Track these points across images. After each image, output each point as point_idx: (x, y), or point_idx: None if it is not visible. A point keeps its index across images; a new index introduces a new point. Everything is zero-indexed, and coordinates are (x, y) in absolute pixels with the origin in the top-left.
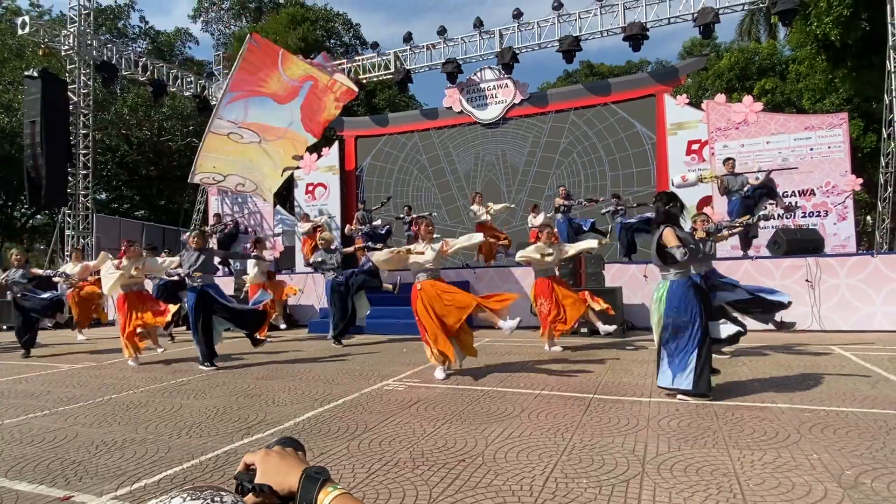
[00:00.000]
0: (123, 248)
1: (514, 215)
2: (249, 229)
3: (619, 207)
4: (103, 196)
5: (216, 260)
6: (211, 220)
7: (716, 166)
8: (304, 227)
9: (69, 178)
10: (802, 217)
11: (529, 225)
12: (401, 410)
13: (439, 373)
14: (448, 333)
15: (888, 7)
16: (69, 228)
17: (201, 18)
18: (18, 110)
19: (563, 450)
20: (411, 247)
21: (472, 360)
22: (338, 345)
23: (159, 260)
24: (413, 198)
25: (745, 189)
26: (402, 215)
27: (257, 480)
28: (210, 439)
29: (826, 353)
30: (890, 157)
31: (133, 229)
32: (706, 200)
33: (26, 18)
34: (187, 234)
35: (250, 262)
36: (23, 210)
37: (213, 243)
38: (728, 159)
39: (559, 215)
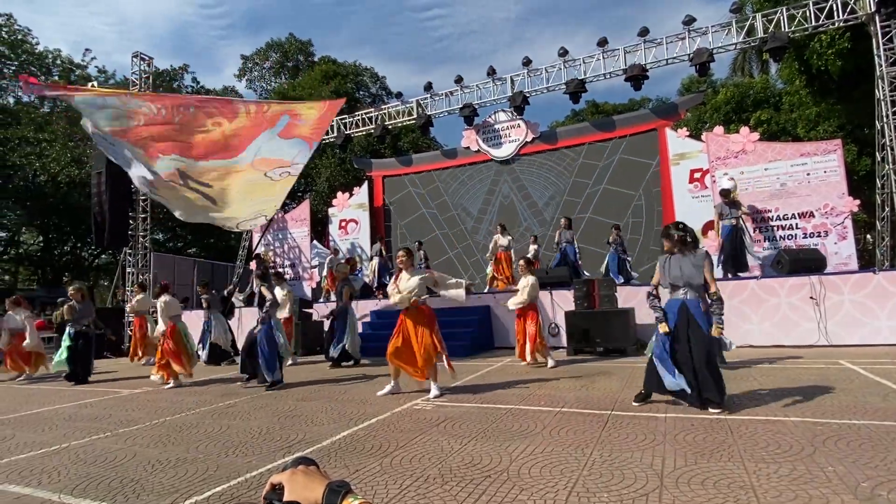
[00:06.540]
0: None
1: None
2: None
3: (616, 237)
4: (160, 236)
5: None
6: (262, 252)
7: (715, 192)
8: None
9: (130, 221)
10: (803, 238)
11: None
12: (429, 428)
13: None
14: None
15: (874, 40)
16: (130, 266)
17: (246, 77)
18: (87, 163)
19: (584, 465)
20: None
21: (495, 380)
22: (334, 367)
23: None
24: (435, 228)
25: (735, 219)
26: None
27: (286, 498)
28: (255, 458)
29: (834, 367)
30: (885, 178)
31: (186, 266)
32: (710, 225)
33: (95, 83)
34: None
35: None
36: (90, 251)
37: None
38: (724, 190)
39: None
